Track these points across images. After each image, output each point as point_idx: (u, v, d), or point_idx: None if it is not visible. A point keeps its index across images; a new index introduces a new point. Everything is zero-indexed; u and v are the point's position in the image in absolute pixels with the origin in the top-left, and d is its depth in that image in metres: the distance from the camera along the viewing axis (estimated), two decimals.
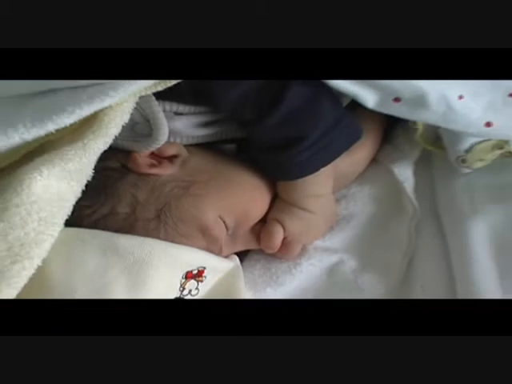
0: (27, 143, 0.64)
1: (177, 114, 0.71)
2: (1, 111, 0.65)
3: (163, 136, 0.69)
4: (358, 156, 0.77)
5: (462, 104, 0.69)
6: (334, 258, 0.74)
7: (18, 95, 0.66)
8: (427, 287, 0.73)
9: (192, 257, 0.68)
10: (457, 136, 0.74)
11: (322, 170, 0.71)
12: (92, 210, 0.67)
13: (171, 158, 0.71)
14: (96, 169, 0.66)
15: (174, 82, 0.67)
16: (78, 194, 0.64)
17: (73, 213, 0.65)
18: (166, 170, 0.70)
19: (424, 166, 0.79)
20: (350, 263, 0.74)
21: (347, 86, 0.68)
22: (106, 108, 0.65)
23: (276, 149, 0.69)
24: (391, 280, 0.73)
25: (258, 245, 0.73)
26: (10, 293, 0.59)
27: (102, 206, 0.68)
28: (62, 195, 0.63)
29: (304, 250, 0.75)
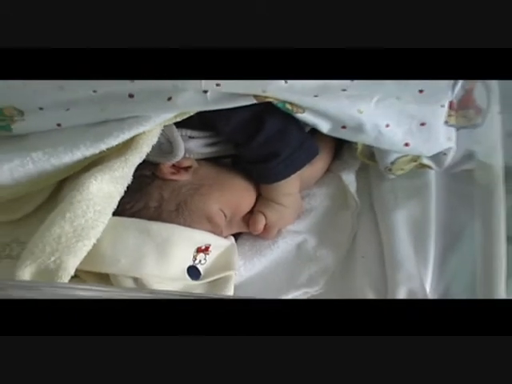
0: (86, 158, 0.69)
1: (190, 137, 0.75)
2: (69, 136, 0.70)
3: (181, 153, 0.73)
4: (316, 167, 0.81)
5: (388, 130, 0.73)
6: (300, 238, 0.78)
7: (81, 125, 0.70)
8: (366, 256, 0.76)
9: (201, 237, 0.72)
10: (385, 152, 0.77)
11: (292, 176, 0.75)
12: (131, 205, 0.72)
13: (186, 168, 0.74)
14: (134, 175, 0.70)
15: (187, 115, 0.70)
16: (122, 194, 0.69)
17: (118, 207, 0.68)
18: (183, 177, 0.74)
19: (363, 173, 0.83)
20: (311, 241, 0.78)
21: (309, 117, 0.72)
22: (141, 133, 0.70)
23: (259, 162, 0.74)
24: (340, 252, 0.77)
25: (247, 229, 0.77)
26: (75, 261, 0.64)
27: (137, 202, 0.72)
28: (110, 194, 0.68)
29: (279, 232, 0.78)
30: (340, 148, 0.84)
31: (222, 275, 0.71)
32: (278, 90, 0.69)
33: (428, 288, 0.72)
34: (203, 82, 0.68)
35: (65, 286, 0.61)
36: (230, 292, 0.71)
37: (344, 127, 0.73)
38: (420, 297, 0.70)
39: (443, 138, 0.75)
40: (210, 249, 0.71)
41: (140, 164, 0.70)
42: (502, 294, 0.64)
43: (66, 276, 0.62)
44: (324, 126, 0.73)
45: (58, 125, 0.70)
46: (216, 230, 0.73)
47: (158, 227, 0.70)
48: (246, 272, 0.75)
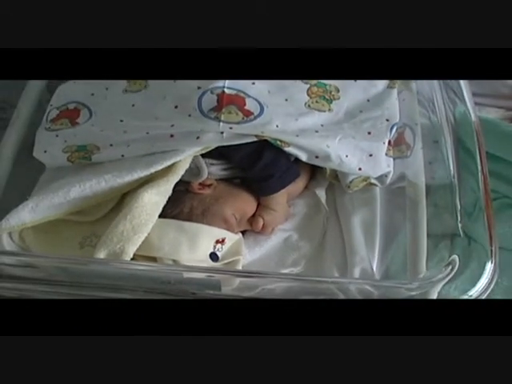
0: (141, 178, 0.75)
1: (211, 164, 0.79)
2: (130, 163, 0.75)
3: (205, 175, 0.78)
4: (298, 185, 0.84)
5: (347, 159, 0.78)
6: (287, 234, 0.82)
7: (137, 156, 0.76)
8: (333, 248, 0.80)
9: (219, 232, 0.75)
10: (345, 174, 0.81)
11: (281, 191, 0.79)
12: (171, 210, 0.76)
13: (209, 186, 0.79)
14: (173, 190, 0.75)
15: (209, 148, 0.76)
16: (164, 203, 0.74)
17: (162, 211, 0.74)
18: (207, 191, 0.78)
19: (330, 189, 0.86)
20: (295, 236, 0.81)
21: (292, 150, 0.76)
22: (178, 161, 0.75)
23: (259, 181, 0.79)
24: (315, 243, 0.80)
25: (251, 227, 0.81)
26: (133, 248, 0.68)
27: (175, 208, 0.76)
28: (157, 203, 0.73)
29: (273, 230, 0.82)
30: (314, 172, 0.88)
31: (233, 259, 0.74)
32: (272, 131, 0.74)
33: (374, 268, 0.75)
34: (220, 125, 0.75)
35: (126, 262, 0.67)
36: None
37: (317, 157, 0.76)
38: (368, 273, 0.75)
39: (384, 165, 0.79)
40: (225, 241, 0.74)
41: (177, 182, 0.73)
42: (423, 270, 0.71)
43: (127, 258, 0.67)
44: (303, 156, 0.77)
45: (122, 156, 0.75)
46: (229, 228, 0.76)
47: (189, 225, 0.73)
48: (250, 257, 0.77)
